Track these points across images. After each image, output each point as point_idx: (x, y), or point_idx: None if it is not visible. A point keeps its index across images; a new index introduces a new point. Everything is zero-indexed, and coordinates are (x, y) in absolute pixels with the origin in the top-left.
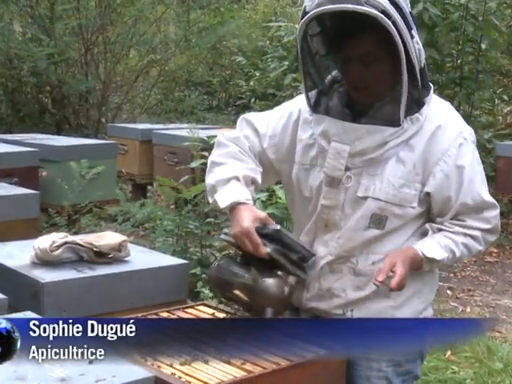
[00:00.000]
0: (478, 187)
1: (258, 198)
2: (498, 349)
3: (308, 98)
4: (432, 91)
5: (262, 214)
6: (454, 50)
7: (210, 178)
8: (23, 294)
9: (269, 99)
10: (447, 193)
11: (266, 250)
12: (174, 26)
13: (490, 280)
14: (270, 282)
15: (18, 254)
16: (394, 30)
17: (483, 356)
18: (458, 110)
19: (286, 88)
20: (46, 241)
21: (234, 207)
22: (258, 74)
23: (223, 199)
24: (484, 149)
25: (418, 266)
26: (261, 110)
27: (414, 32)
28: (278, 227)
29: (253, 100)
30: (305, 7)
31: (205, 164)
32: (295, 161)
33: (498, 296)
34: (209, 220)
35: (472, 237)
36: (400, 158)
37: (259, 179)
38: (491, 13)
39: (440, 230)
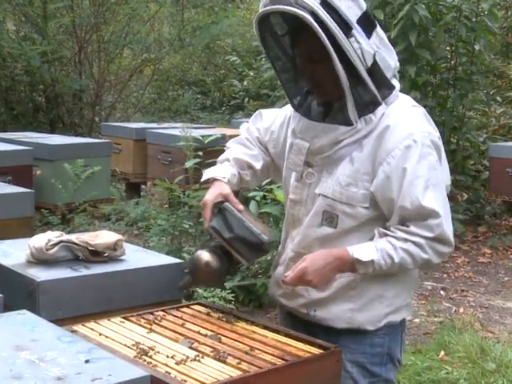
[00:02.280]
0: (418, 192)
1: (254, 198)
2: (491, 349)
3: (289, 96)
4: (396, 91)
5: (227, 190)
6: (448, 51)
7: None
8: (19, 293)
9: (263, 99)
10: (389, 195)
11: (208, 224)
12: (168, 25)
13: (483, 281)
14: (197, 253)
15: (13, 253)
16: (319, 30)
17: (476, 356)
18: (451, 111)
19: (280, 88)
20: (41, 239)
21: (211, 183)
22: (251, 74)
23: (205, 175)
24: (478, 150)
25: (351, 268)
26: (255, 110)
27: (356, 32)
28: (224, 205)
29: (246, 100)
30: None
31: (199, 164)
32: (285, 157)
33: (491, 296)
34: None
35: (415, 243)
36: (352, 157)
37: (257, 166)
38: (484, 14)
39: (385, 234)
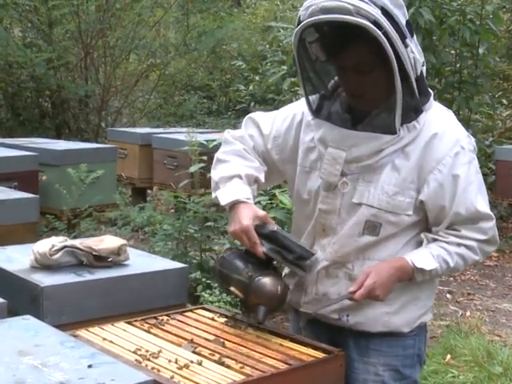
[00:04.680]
0: (473, 197)
1: (259, 202)
2: (497, 353)
3: (309, 103)
4: (432, 98)
5: (262, 212)
6: (453, 54)
7: (214, 175)
8: (23, 298)
9: (268, 103)
10: (441, 202)
11: (263, 248)
12: (174, 31)
13: (490, 284)
14: (263, 280)
15: (17, 258)
16: (385, 40)
17: (483, 360)
18: (457, 115)
19: (285, 92)
20: (45, 245)
21: (234, 205)
22: (257, 79)
23: (224, 197)
24: (484, 153)
25: (410, 277)
26: None
27: (409, 41)
28: (275, 228)
29: (252, 104)
30: (299, 16)
31: (204, 168)
32: (297, 163)
33: (498, 300)
34: (208, 224)
35: (467, 247)
36: (395, 165)
37: (262, 178)
38: (488, 17)
39: (435, 239)
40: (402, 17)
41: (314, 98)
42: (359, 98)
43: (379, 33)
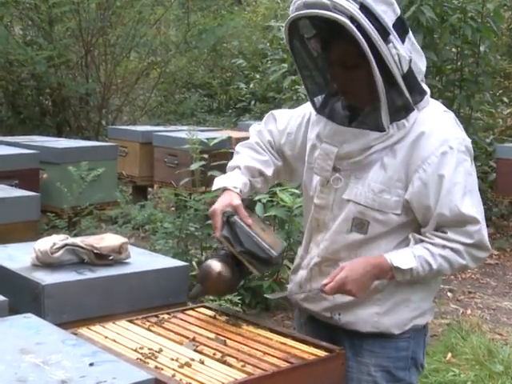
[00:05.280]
0: (457, 199)
1: (259, 200)
2: (498, 351)
3: (312, 100)
4: (427, 96)
5: (236, 202)
6: (454, 52)
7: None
8: (24, 296)
9: (269, 101)
10: (426, 202)
11: (220, 233)
12: (174, 28)
13: (491, 282)
14: (207, 262)
15: (18, 256)
16: (359, 35)
17: (484, 358)
18: (457, 113)
19: (286, 91)
20: (46, 243)
21: (222, 192)
22: (258, 77)
23: (216, 183)
24: (485, 151)
25: (388, 275)
26: (261, 113)
27: (393, 37)
28: (233, 219)
29: (253, 102)
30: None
31: (204, 166)
32: (305, 160)
33: (499, 298)
34: (209, 222)
35: (453, 250)
36: (384, 163)
37: (268, 172)
38: (489, 15)
39: (421, 240)
40: (388, 13)
41: (319, 95)
42: (348, 93)
43: (353, 28)
